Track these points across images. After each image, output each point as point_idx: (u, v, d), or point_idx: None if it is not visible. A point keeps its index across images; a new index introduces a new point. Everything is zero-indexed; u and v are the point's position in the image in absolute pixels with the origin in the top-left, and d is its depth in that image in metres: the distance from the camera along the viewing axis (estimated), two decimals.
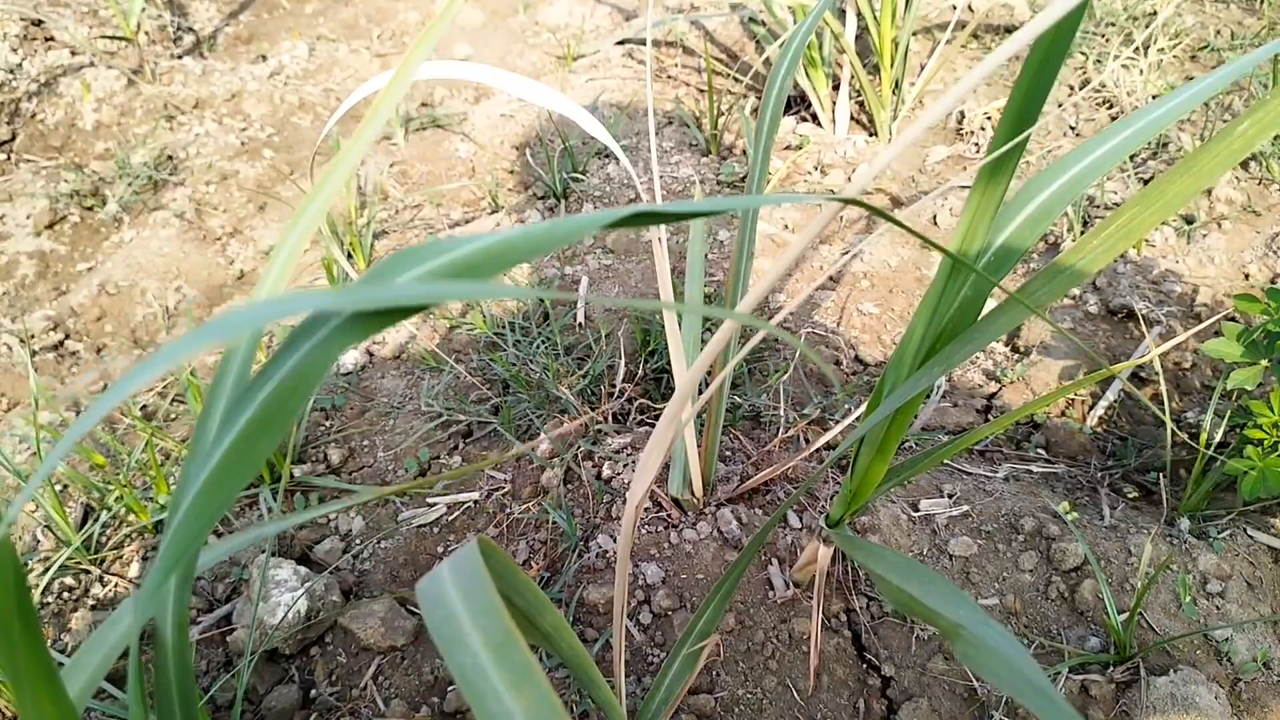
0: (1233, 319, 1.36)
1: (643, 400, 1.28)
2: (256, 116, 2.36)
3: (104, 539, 1.16)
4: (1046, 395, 0.61)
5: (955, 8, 2.15)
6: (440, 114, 2.22)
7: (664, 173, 1.81)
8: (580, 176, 1.84)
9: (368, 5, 2.76)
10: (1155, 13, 2.09)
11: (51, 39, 2.37)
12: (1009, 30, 2.13)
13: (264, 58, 2.52)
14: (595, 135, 0.79)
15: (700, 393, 0.99)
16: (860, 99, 1.99)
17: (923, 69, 2.04)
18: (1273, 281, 1.46)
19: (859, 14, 1.85)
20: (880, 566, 0.65)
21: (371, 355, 1.45)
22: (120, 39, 2.42)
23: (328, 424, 1.33)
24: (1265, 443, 0.98)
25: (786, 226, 1.67)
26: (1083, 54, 2.04)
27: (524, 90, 0.77)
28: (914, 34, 2.11)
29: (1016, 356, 1.39)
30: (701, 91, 2.16)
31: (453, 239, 0.32)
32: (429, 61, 0.98)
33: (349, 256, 1.75)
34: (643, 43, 2.27)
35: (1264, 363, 1.01)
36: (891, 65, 1.82)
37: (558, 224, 0.31)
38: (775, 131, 0.91)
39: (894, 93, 1.90)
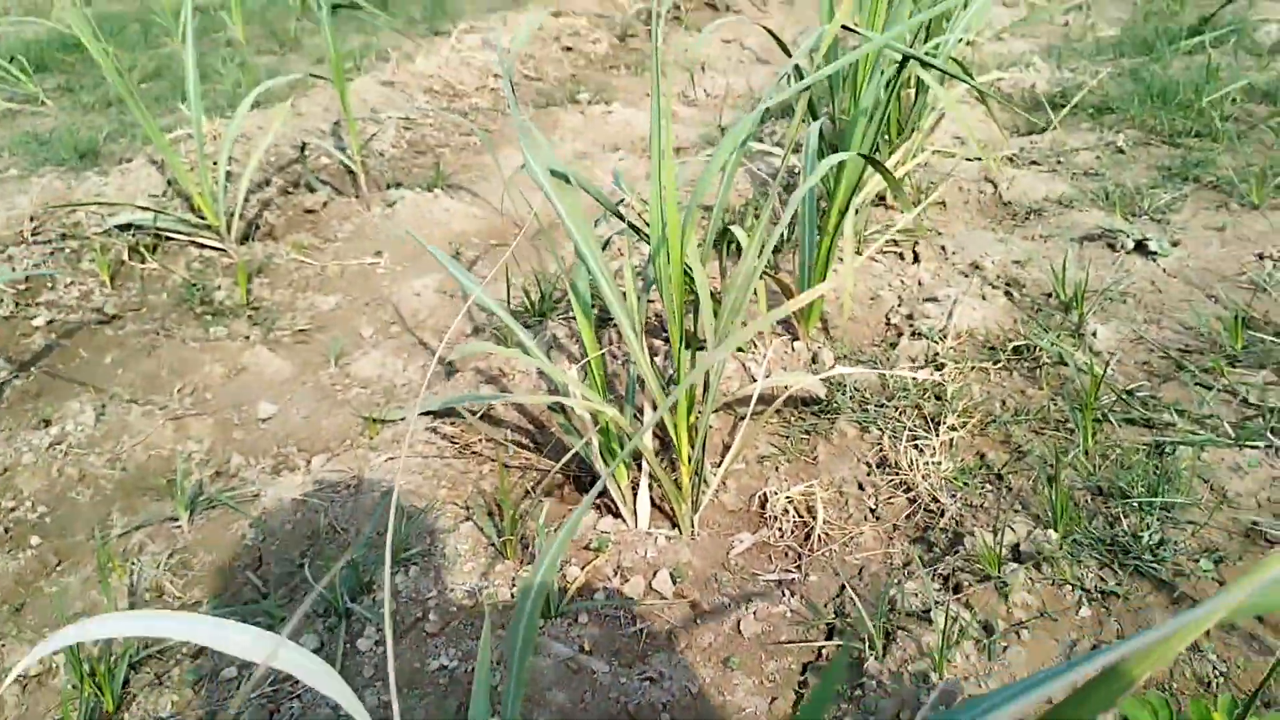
0: None
1: None
2: (29, 493, 2.18)
3: None
4: None
5: (755, 379, 2.19)
6: (230, 494, 2.09)
7: (454, 585, 1.70)
8: (369, 588, 1.72)
9: (171, 355, 2.67)
10: (944, 383, 2.17)
11: None
12: (808, 404, 2.17)
13: (46, 423, 2.36)
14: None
15: None
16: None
17: (726, 449, 2.05)
18: None
19: (654, 405, 1.85)
20: None
21: None
22: None
23: None
24: None
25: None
26: (879, 429, 2.08)
27: None
28: (715, 411, 2.12)
29: None
30: (507, 467, 2.10)
31: None
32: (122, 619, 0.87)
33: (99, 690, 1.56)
34: (451, 413, 2.22)
35: None
36: (689, 459, 1.80)
37: None
38: (573, 533, 0.82)
39: (697, 476, 1.88)
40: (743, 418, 2.15)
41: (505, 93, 1.58)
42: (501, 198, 3.55)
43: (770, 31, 2.36)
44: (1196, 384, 2.11)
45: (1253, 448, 1.89)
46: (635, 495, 1.86)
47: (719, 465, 1.99)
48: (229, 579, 1.90)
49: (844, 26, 1.72)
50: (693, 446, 1.80)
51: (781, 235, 2.86)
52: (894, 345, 2.37)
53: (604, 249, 2.40)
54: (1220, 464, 1.87)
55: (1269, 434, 1.91)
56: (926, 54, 3.05)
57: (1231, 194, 2.92)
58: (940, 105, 2.96)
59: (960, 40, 4.46)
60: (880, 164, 1.82)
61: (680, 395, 1.77)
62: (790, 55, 2.34)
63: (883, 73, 2.20)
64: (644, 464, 1.86)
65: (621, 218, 2.01)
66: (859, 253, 2.81)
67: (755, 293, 2.41)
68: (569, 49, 5.19)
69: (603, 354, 1.91)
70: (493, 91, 4.66)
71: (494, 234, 3.41)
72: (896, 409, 2.14)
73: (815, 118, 2.53)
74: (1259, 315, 2.32)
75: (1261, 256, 2.55)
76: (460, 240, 3.37)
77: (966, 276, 2.65)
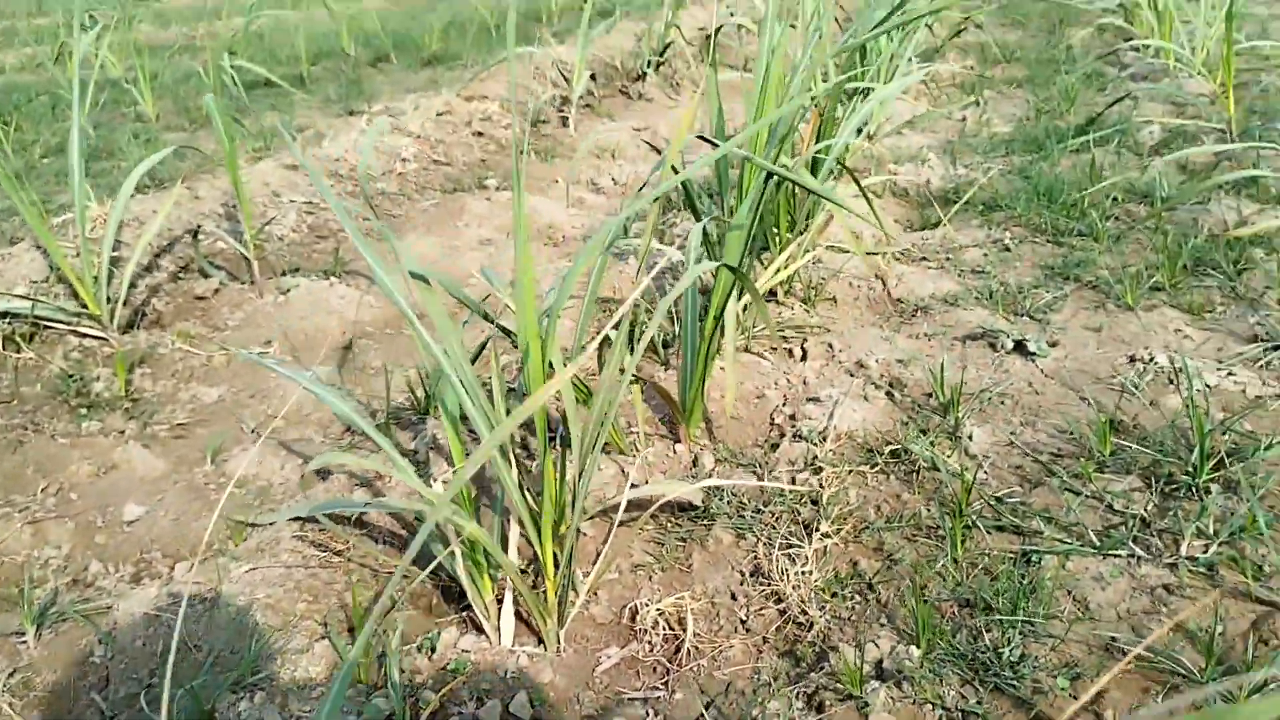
0: None
1: None
2: None
3: None
4: None
5: (634, 484, 2.17)
6: (84, 605, 2.00)
7: (300, 714, 1.63)
8: (209, 718, 1.64)
9: (38, 452, 2.56)
10: (821, 488, 2.18)
11: None
12: (685, 509, 2.15)
13: None
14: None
15: None
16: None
17: (598, 555, 2.01)
18: None
19: (520, 521, 1.81)
20: None
21: None
22: None
23: None
24: None
25: None
26: (754, 535, 2.07)
27: None
28: (591, 517, 2.10)
29: None
30: (375, 573, 2.04)
31: None
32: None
33: None
34: (317, 519, 2.16)
35: None
36: (556, 571, 1.77)
37: None
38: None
39: (566, 588, 1.84)
40: (621, 524, 2.12)
41: (362, 196, 1.57)
42: (389, 286, 3.51)
43: (649, 143, 2.38)
44: (1066, 490, 2.14)
45: (1115, 557, 1.92)
46: (499, 611, 1.81)
47: (589, 575, 1.96)
48: (72, 701, 1.80)
49: (699, 136, 1.74)
50: (559, 559, 1.76)
51: (671, 335, 2.87)
52: (775, 447, 2.37)
53: (482, 350, 2.38)
54: (1084, 573, 1.89)
55: (1131, 543, 1.94)
56: (817, 154, 3.12)
57: (1109, 294, 3.02)
58: (831, 203, 3.02)
59: (861, 133, 4.59)
60: (744, 276, 1.83)
61: (548, 506, 1.74)
62: (660, 154, 2.37)
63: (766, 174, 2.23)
64: (507, 582, 1.82)
65: (489, 318, 1.99)
66: (748, 350, 2.83)
67: (639, 393, 2.40)
68: (480, 134, 5.21)
69: None
70: (399, 176, 4.65)
71: (391, 323, 3.37)
72: (773, 514, 2.13)
73: (698, 218, 2.56)
74: (1128, 419, 2.37)
75: (1133, 359, 2.62)
76: (355, 329, 3.32)
77: (852, 375, 2.68)
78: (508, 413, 1.92)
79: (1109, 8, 7.55)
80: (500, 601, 1.81)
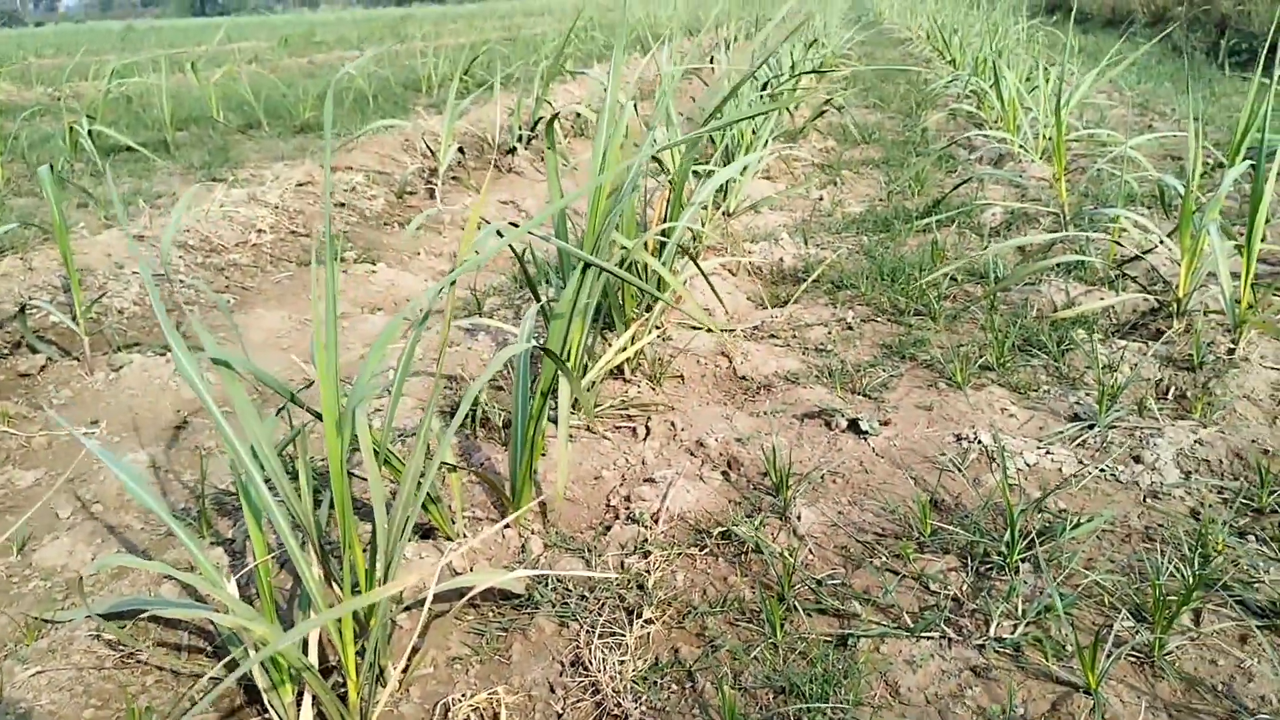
0: None
1: None
2: None
3: None
4: None
5: (457, 573, 2.12)
6: None
7: None
8: None
9: None
10: (648, 572, 2.16)
11: None
12: (508, 597, 2.11)
13: None
14: None
15: None
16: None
17: (414, 652, 1.95)
18: None
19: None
20: None
21: None
22: None
23: None
24: None
25: None
26: (578, 623, 2.04)
27: None
28: (407, 609, 2.04)
29: None
30: (177, 675, 1.94)
31: None
32: None
33: None
34: (122, 615, 2.04)
35: None
36: (356, 672, 1.70)
37: None
38: None
39: (374, 684, 1.77)
40: (441, 615, 2.06)
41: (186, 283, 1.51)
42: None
43: (483, 218, 2.38)
44: (886, 570, 2.17)
45: (928, 638, 1.95)
46: (300, 711, 1.73)
47: (404, 670, 1.89)
48: None
49: (511, 223, 1.75)
50: (361, 657, 1.70)
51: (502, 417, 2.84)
52: (607, 530, 2.36)
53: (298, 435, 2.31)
54: (898, 656, 1.91)
55: (943, 624, 1.97)
56: (662, 234, 3.17)
57: (941, 373, 3.12)
58: (635, 284, 3.06)
59: (719, 210, 4.69)
60: (562, 363, 1.83)
61: (347, 600, 1.68)
62: (502, 234, 2.37)
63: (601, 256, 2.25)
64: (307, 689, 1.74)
65: (299, 403, 1.94)
66: (590, 429, 2.82)
67: (458, 481, 2.36)
68: (343, 204, 5.16)
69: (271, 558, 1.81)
70: (254, 247, 4.55)
71: (230, 401, 3.26)
72: (599, 600, 2.10)
73: (537, 299, 2.56)
74: (950, 498, 2.43)
75: (959, 438, 2.70)
76: (191, 407, 3.21)
77: (692, 454, 2.69)
78: (317, 503, 1.87)
79: (963, 94, 7.95)
80: (300, 703, 1.73)
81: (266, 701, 1.71)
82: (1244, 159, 3.44)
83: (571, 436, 2.73)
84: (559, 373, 2.24)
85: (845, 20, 18.75)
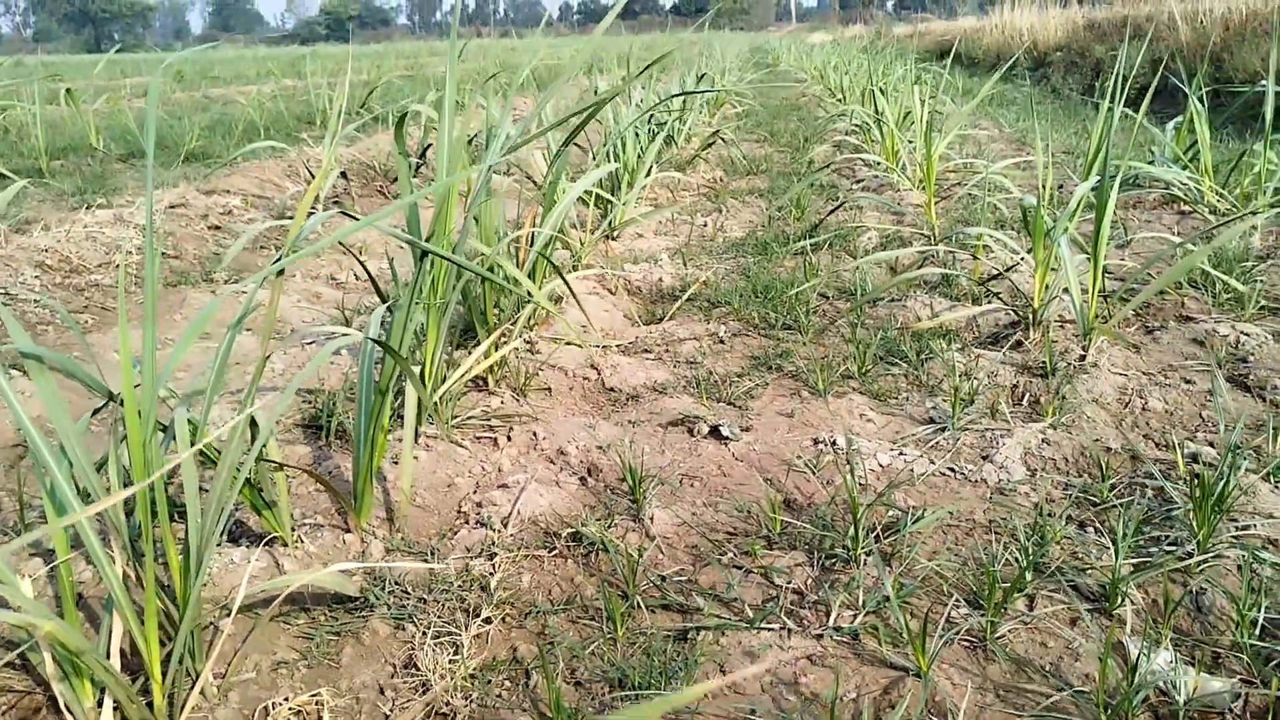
0: None
1: None
2: None
3: None
4: None
5: (281, 575, 2.04)
6: None
7: None
8: None
9: None
10: (491, 574, 2.12)
11: None
12: (342, 601, 2.04)
13: None
14: None
15: None
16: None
17: (236, 654, 1.87)
18: None
19: (124, 616, 1.66)
20: None
21: None
22: None
23: None
24: None
25: None
26: (414, 625, 1.98)
27: None
28: (239, 612, 1.95)
29: None
30: None
31: None
32: None
33: None
34: None
35: None
36: (163, 675, 1.62)
37: None
38: None
39: (190, 688, 1.68)
40: (274, 619, 1.98)
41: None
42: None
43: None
44: (734, 567, 2.16)
45: (768, 630, 1.94)
46: (100, 715, 1.63)
47: (223, 675, 1.80)
48: None
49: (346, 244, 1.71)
50: (167, 659, 1.62)
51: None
52: (454, 534, 2.30)
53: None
54: (736, 647, 1.90)
55: (784, 615, 1.97)
56: (542, 253, 3.14)
57: (805, 382, 3.15)
58: (535, 298, 3.04)
59: (599, 233, 4.69)
60: (397, 354, 1.79)
61: (151, 600, 1.60)
62: (366, 269, 2.32)
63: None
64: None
65: (112, 397, 1.86)
66: (448, 438, 2.76)
67: (284, 483, 2.29)
68: (217, 228, 5.03)
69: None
70: (119, 268, 4.40)
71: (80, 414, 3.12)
72: (438, 603, 2.05)
73: (383, 300, 2.51)
74: (803, 498, 2.44)
75: (817, 441, 2.72)
76: (37, 424, 3.05)
77: (551, 462, 2.66)
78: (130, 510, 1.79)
79: (850, 128, 8.17)
80: (101, 705, 1.63)
81: (63, 705, 1.61)
82: (1095, 176, 3.58)
83: (428, 446, 2.68)
84: (389, 374, 2.20)
85: (744, 62, 19.20)
